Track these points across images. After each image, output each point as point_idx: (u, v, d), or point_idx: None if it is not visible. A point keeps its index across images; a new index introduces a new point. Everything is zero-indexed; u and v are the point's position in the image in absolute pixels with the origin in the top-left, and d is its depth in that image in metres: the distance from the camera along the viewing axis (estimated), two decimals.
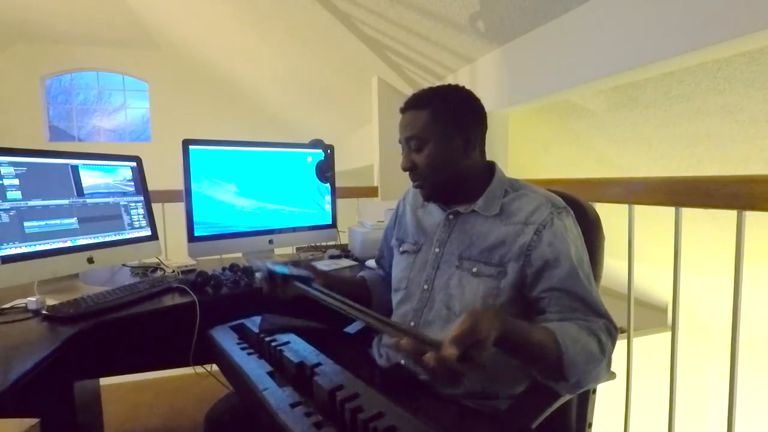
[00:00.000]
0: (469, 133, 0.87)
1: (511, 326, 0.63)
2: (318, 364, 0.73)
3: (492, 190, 0.87)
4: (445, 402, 0.81)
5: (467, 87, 0.90)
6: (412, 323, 0.87)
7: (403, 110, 0.90)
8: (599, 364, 0.72)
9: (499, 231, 0.82)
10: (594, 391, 0.89)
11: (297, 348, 0.81)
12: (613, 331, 0.76)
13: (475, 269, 0.83)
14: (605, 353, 0.73)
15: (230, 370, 0.81)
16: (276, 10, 2.73)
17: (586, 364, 0.70)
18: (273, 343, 0.83)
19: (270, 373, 0.73)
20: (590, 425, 0.91)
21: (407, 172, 0.91)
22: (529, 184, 0.89)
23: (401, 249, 0.99)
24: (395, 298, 0.97)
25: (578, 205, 0.92)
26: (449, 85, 0.90)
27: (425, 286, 0.89)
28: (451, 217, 0.90)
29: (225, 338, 0.90)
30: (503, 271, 0.80)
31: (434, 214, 0.95)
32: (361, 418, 0.57)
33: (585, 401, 0.89)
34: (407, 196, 1.06)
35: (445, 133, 0.86)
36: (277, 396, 0.66)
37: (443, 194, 0.91)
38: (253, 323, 0.95)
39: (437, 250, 0.90)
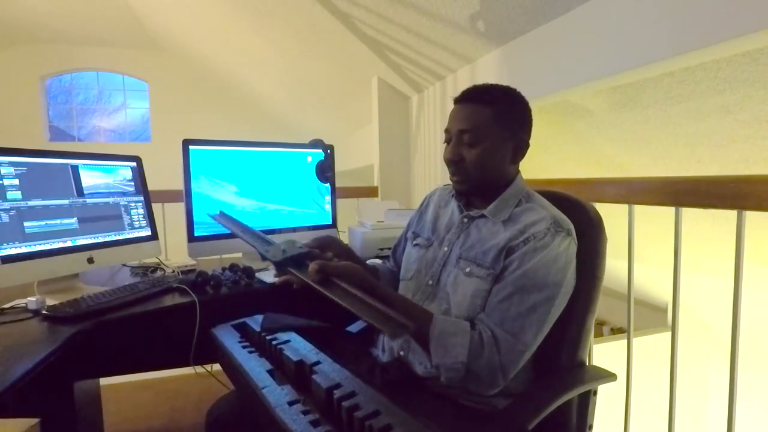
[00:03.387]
0: (521, 141, 0.88)
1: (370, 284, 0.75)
2: (317, 363, 0.73)
3: (505, 198, 0.88)
4: (443, 400, 0.81)
5: (467, 87, 0.90)
6: None
7: (460, 101, 0.88)
8: (457, 363, 0.73)
9: (501, 236, 0.83)
10: (595, 393, 0.89)
11: (297, 346, 0.81)
12: (513, 352, 0.74)
13: (468, 269, 0.84)
14: (480, 361, 0.73)
15: (231, 368, 0.81)
16: (276, 10, 2.73)
17: (445, 355, 0.74)
18: (273, 342, 0.83)
19: (270, 372, 0.74)
20: (591, 427, 0.90)
21: (448, 165, 0.89)
22: (544, 200, 0.89)
23: (415, 242, 1.01)
24: (401, 286, 0.99)
25: (580, 205, 0.92)
26: (510, 88, 0.88)
27: (430, 282, 0.90)
28: (465, 220, 0.91)
29: (227, 337, 0.91)
30: (493, 274, 0.81)
31: (451, 214, 0.96)
32: (357, 416, 0.57)
33: (585, 403, 0.89)
34: (434, 194, 1.07)
35: (502, 136, 0.85)
36: (275, 394, 0.66)
37: (479, 194, 0.91)
38: (255, 322, 0.95)
39: (446, 249, 0.91)
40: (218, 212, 1.07)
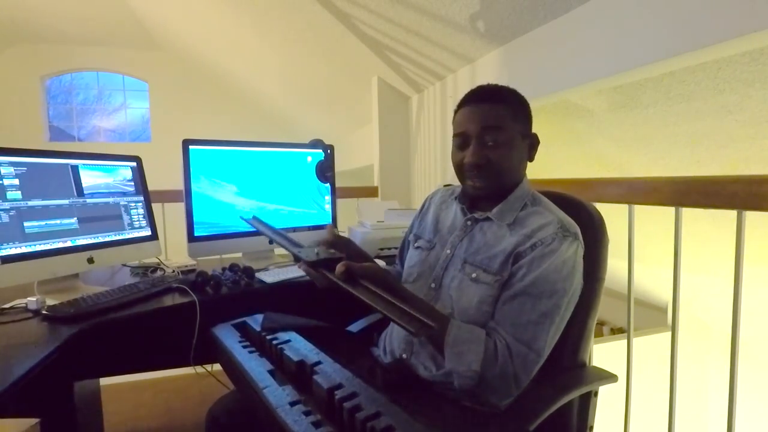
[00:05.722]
0: (534, 139, 0.88)
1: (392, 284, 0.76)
2: (318, 363, 0.73)
3: (511, 201, 0.87)
4: (445, 401, 0.81)
5: (467, 87, 0.90)
6: None
7: (474, 101, 0.85)
8: (469, 371, 0.72)
9: (507, 241, 0.82)
10: (595, 394, 0.89)
11: (298, 346, 0.81)
12: (526, 362, 0.74)
13: (474, 275, 0.83)
14: (494, 370, 0.73)
15: (232, 368, 0.81)
16: (276, 10, 2.73)
17: (458, 362, 0.73)
18: (274, 342, 0.83)
19: (271, 372, 0.74)
20: (591, 428, 0.90)
21: (464, 168, 0.86)
22: (550, 203, 0.88)
23: (416, 244, 1.00)
24: None
25: (581, 206, 0.92)
26: (511, 87, 0.88)
27: (432, 285, 0.89)
28: (469, 222, 0.90)
29: (227, 336, 0.91)
30: (500, 280, 0.80)
31: (454, 216, 0.95)
32: (358, 417, 0.57)
33: (586, 403, 0.89)
34: (434, 196, 1.06)
35: (521, 134, 0.85)
36: (276, 394, 0.66)
37: (494, 196, 0.88)
38: (255, 321, 0.95)
39: (448, 251, 0.90)
40: (252, 217, 1.05)
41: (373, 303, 0.65)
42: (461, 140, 0.86)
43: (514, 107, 0.84)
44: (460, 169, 0.89)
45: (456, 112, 0.89)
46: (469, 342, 0.74)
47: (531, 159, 0.89)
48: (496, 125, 0.83)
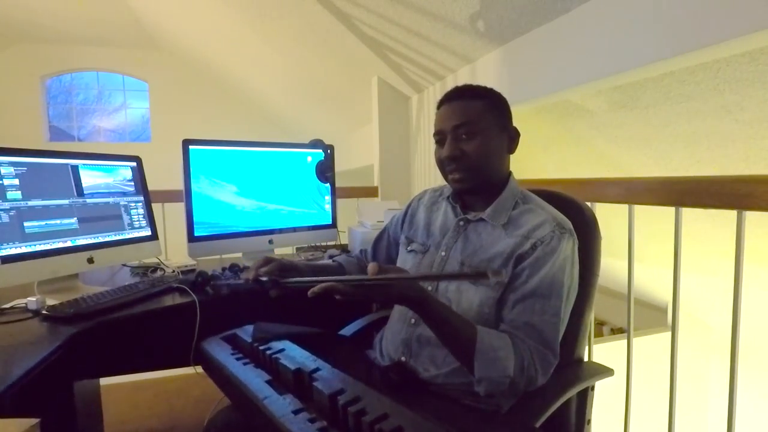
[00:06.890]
0: (513, 131, 0.89)
1: (429, 304, 0.73)
2: (316, 369, 0.72)
3: (502, 200, 0.87)
4: (446, 401, 0.81)
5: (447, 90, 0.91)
6: (413, 320, 0.87)
7: (447, 101, 0.88)
8: (503, 377, 0.72)
9: (504, 242, 0.82)
10: (592, 388, 0.90)
11: (293, 354, 0.79)
12: (546, 363, 0.75)
13: None
14: (522, 374, 0.73)
15: (227, 382, 0.79)
16: (276, 10, 2.73)
17: (492, 368, 0.72)
18: (268, 352, 0.81)
19: (269, 382, 0.72)
20: (589, 421, 0.91)
21: (445, 164, 0.88)
22: (540, 200, 0.89)
23: (409, 248, 0.98)
24: None
25: (575, 204, 0.93)
26: (486, 86, 0.90)
27: (429, 288, 0.88)
28: (461, 223, 0.90)
29: (218, 350, 0.88)
30: (501, 282, 0.80)
31: (445, 217, 0.95)
32: (365, 420, 0.57)
33: (584, 397, 0.89)
34: (423, 196, 1.05)
35: (497, 126, 0.86)
36: (278, 404, 0.65)
37: (479, 191, 0.89)
38: (246, 333, 0.92)
39: (443, 254, 0.89)
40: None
41: (426, 277, 0.75)
42: (439, 138, 0.89)
43: (487, 101, 0.86)
44: (441, 166, 0.90)
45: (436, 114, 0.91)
46: (500, 348, 0.74)
47: (511, 151, 0.90)
48: (468, 119, 0.84)
